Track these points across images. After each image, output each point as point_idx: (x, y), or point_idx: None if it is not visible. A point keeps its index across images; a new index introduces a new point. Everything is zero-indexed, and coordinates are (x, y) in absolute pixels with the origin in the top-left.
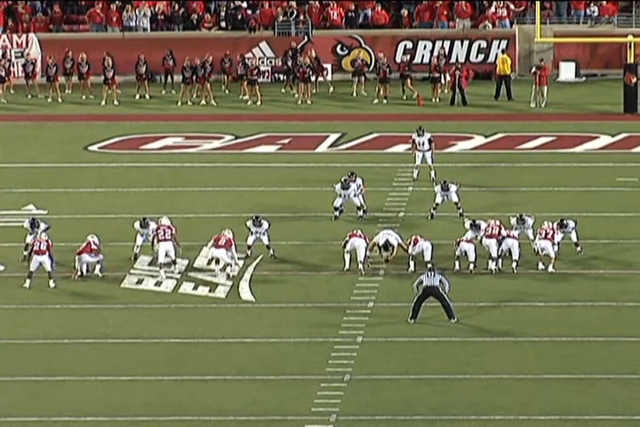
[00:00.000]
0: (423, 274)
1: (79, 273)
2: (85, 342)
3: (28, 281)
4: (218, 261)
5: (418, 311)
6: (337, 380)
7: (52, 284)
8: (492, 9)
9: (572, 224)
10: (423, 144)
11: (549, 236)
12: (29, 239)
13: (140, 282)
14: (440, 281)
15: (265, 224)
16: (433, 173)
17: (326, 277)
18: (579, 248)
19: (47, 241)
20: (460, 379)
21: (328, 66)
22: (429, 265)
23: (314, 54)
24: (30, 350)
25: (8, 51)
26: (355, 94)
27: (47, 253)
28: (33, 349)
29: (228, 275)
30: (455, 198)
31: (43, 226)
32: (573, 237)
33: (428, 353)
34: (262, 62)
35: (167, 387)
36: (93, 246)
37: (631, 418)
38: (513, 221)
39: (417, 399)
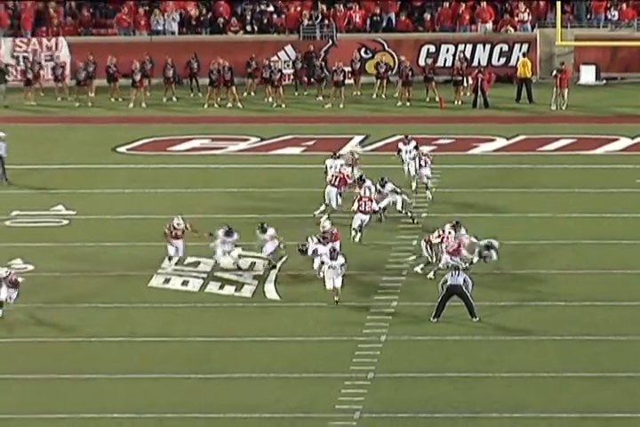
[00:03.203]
0: (448, 273)
1: None
2: (112, 341)
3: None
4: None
5: (441, 310)
6: (361, 378)
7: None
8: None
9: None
10: (410, 152)
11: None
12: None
13: (166, 281)
14: (464, 280)
15: (270, 231)
16: (414, 184)
17: (351, 277)
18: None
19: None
20: (482, 377)
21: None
22: (454, 264)
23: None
24: (58, 348)
25: (38, 54)
26: (375, 96)
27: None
28: (61, 347)
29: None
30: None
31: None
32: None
33: (450, 351)
34: (288, 65)
35: (193, 385)
36: None
37: None
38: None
39: (439, 397)
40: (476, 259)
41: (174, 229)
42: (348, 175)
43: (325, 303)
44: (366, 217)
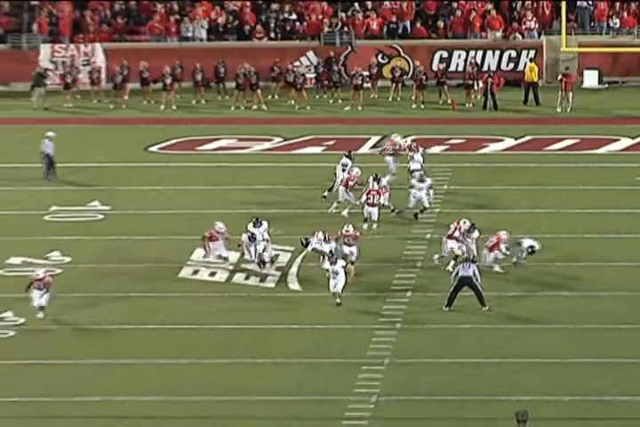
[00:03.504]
0: (459, 265)
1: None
2: (145, 328)
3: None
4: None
5: (453, 300)
6: (377, 364)
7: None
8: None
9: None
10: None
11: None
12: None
13: (195, 273)
14: (474, 272)
15: (265, 224)
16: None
17: (368, 268)
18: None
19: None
20: (491, 363)
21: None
22: (465, 256)
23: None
24: (94, 335)
25: (75, 59)
26: (391, 99)
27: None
28: (97, 334)
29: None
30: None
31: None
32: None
33: (461, 339)
34: (309, 70)
35: (220, 370)
36: None
37: None
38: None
39: (451, 382)
40: (514, 260)
41: (217, 233)
42: (352, 177)
43: (343, 293)
44: (374, 209)
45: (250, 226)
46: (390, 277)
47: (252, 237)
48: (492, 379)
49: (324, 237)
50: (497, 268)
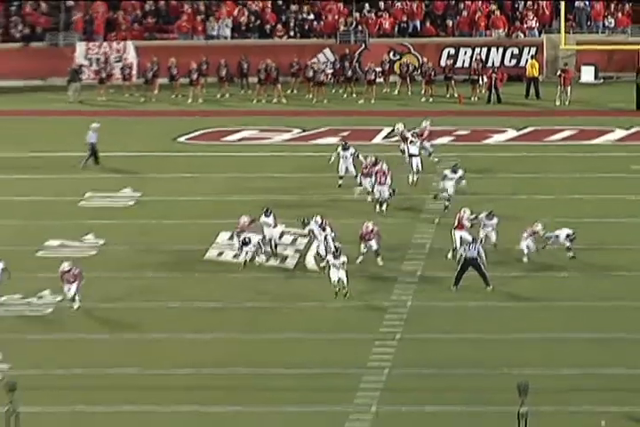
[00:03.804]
0: (463, 246)
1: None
2: (172, 307)
3: None
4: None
5: (460, 280)
6: (389, 339)
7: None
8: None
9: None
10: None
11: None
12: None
13: (220, 254)
14: (478, 253)
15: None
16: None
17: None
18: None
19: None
20: (495, 339)
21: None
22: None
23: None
24: (125, 314)
25: (108, 56)
26: (397, 93)
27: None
28: (127, 312)
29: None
30: None
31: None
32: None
33: (468, 316)
34: (326, 66)
35: (245, 344)
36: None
37: None
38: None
39: (458, 356)
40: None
41: (248, 224)
42: (367, 165)
43: (359, 274)
44: (383, 188)
45: (262, 217)
46: (401, 258)
47: (246, 241)
48: (495, 353)
49: (321, 223)
50: (525, 258)
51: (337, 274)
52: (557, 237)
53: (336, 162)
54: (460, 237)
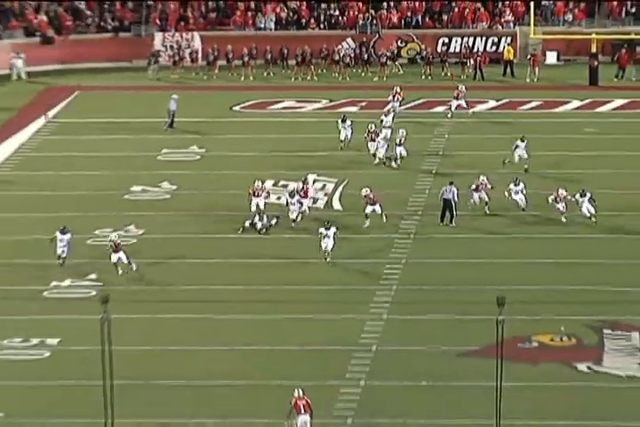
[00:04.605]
0: (444, 188)
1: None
2: (231, 237)
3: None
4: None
5: (443, 217)
6: (396, 262)
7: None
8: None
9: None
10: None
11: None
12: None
13: (267, 197)
14: (453, 195)
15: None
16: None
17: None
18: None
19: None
20: (480, 262)
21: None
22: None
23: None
24: (195, 244)
25: (180, 43)
26: (403, 72)
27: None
28: (196, 242)
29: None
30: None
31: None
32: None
33: (456, 245)
34: (348, 51)
35: (283, 268)
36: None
37: (610, 289)
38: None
39: (452, 276)
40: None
41: (258, 189)
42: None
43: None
44: (374, 143)
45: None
46: (399, 218)
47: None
48: (480, 274)
49: (303, 190)
50: (564, 218)
51: (325, 243)
52: (578, 202)
53: (337, 131)
54: (479, 197)
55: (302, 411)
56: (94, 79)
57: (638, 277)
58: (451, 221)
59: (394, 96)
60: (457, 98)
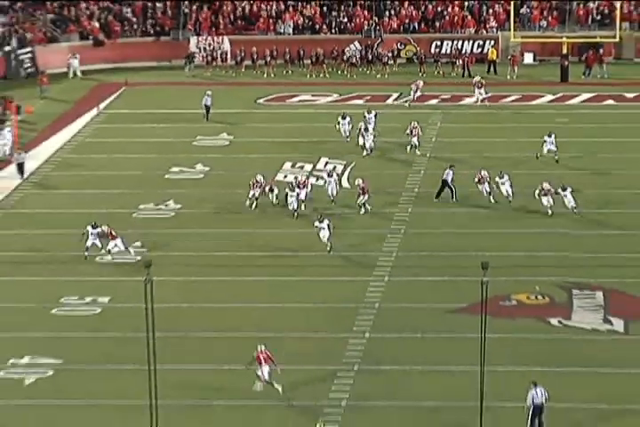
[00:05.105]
0: (445, 171)
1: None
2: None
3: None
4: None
5: (440, 194)
6: (397, 232)
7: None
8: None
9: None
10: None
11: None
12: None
13: (284, 177)
14: (451, 178)
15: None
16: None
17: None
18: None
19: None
20: (468, 232)
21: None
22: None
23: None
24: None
25: (212, 46)
26: (396, 68)
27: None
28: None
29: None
30: None
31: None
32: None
33: (451, 218)
34: (355, 53)
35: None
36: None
37: (578, 256)
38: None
39: (445, 244)
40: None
41: (256, 182)
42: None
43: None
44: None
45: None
46: (396, 197)
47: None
48: (468, 242)
49: (301, 182)
50: (550, 211)
51: (322, 234)
52: (558, 193)
53: (338, 127)
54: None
55: (263, 362)
56: (139, 76)
57: (602, 245)
58: (452, 198)
59: (416, 90)
60: (479, 87)
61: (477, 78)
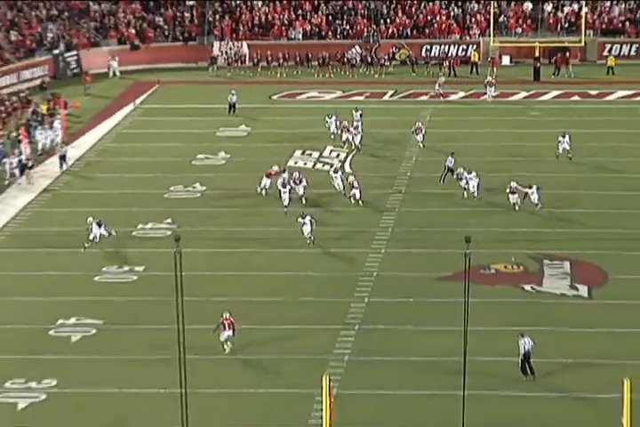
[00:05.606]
0: (448, 157)
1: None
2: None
3: None
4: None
5: (443, 178)
6: (392, 210)
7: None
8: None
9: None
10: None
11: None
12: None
13: (295, 163)
14: (451, 162)
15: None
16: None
17: (367, 181)
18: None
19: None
20: (453, 211)
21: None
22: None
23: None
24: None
25: (232, 50)
26: (391, 69)
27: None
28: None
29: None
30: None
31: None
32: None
33: (450, 200)
34: (356, 56)
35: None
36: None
37: (548, 231)
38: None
39: (436, 221)
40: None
41: (276, 172)
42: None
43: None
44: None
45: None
46: (390, 186)
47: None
48: (452, 219)
49: (297, 178)
50: (517, 207)
51: (305, 228)
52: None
53: (324, 124)
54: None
55: (226, 328)
56: (169, 76)
57: (567, 222)
58: (441, 180)
59: (439, 85)
60: (492, 85)
61: (489, 79)
